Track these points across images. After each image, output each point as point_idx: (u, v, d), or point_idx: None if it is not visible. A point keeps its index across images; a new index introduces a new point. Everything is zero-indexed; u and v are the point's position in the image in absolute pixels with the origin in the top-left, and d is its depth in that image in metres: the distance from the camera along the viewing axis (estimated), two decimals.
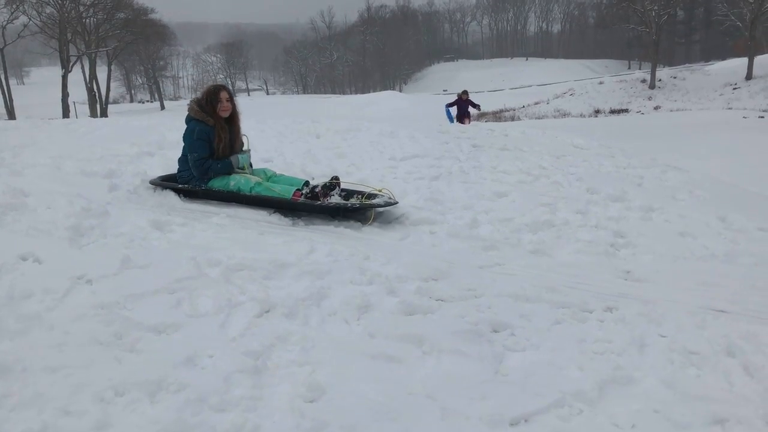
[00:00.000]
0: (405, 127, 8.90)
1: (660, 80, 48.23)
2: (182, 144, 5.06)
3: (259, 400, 2.26)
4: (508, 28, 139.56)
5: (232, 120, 5.05)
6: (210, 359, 2.49)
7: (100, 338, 2.57)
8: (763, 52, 48.61)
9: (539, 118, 39.43)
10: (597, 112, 42.01)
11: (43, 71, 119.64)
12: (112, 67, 60.33)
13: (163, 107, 68.90)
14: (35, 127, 7.85)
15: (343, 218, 4.69)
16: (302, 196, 4.77)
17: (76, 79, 53.92)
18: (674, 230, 4.74)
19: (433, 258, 3.91)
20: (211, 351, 2.54)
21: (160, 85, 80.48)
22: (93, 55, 51.87)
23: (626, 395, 2.44)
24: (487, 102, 49.42)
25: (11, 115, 44.13)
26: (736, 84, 43.49)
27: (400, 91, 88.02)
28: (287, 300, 3.05)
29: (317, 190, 4.82)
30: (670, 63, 73.60)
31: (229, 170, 4.91)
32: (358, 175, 5.76)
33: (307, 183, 5.01)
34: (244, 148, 5.21)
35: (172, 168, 5.53)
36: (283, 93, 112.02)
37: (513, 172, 6.33)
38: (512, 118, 40.91)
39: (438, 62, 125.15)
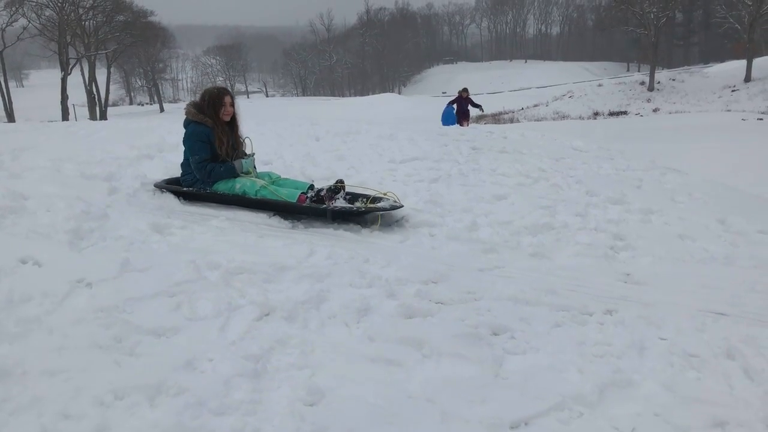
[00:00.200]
0: (404, 130, 8.90)
1: (659, 82, 48.32)
2: (182, 147, 5.06)
3: (259, 404, 2.25)
4: (507, 31, 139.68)
5: (233, 123, 5.06)
6: (209, 363, 2.48)
7: (100, 342, 2.57)
8: (761, 55, 48.72)
9: (538, 121, 39.47)
10: (596, 114, 42.05)
11: (43, 74, 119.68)
12: (112, 69, 60.38)
13: (162, 109, 68.88)
14: (35, 130, 7.84)
15: (351, 222, 4.68)
16: (307, 200, 4.77)
17: (76, 81, 53.94)
18: (674, 233, 4.74)
19: (433, 261, 3.91)
20: (210, 354, 2.54)
21: (160, 87, 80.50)
22: (92, 57, 51.90)
23: (626, 398, 2.44)
24: (486, 104, 49.39)
25: (10, 117, 44.17)
26: (734, 86, 43.55)
27: (400, 93, 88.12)
28: (287, 303, 3.05)
29: (323, 193, 4.82)
30: (669, 65, 73.79)
31: (232, 174, 4.90)
32: (357, 177, 5.76)
33: (311, 186, 5.01)
34: (248, 151, 5.21)
35: (172, 171, 5.53)
36: (283, 95, 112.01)
37: (512, 174, 6.33)
38: (511, 121, 40.97)
39: (437, 64, 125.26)
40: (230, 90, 5.15)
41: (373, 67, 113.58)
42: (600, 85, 52.34)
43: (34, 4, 45.46)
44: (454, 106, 16.66)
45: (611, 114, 41.60)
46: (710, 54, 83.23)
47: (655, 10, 49.27)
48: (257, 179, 4.92)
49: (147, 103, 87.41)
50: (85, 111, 51.68)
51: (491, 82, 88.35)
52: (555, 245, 4.33)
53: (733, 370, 2.65)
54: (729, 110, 37.28)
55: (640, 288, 3.64)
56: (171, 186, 5.06)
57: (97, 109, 52.42)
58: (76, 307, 2.85)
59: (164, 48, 73.64)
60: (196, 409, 2.20)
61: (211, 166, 4.86)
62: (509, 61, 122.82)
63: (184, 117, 5.10)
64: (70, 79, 46.84)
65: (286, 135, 7.94)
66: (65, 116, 44.00)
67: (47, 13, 46.97)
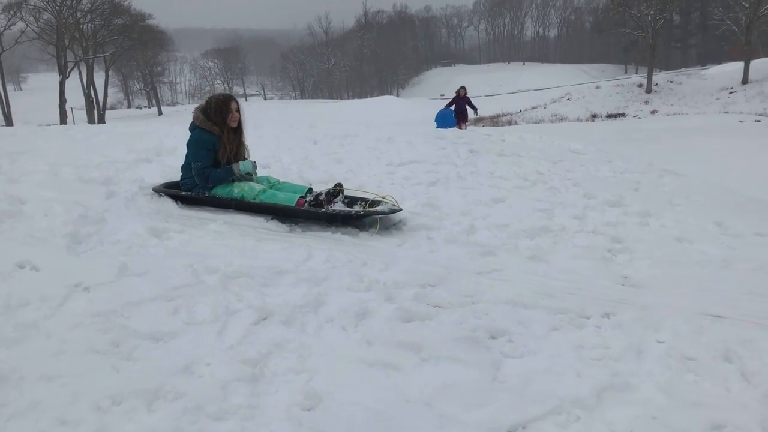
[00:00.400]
0: (402, 133, 8.91)
1: (656, 84, 48.40)
2: (180, 151, 5.07)
3: (257, 409, 2.25)
4: (505, 33, 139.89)
5: (238, 129, 5.06)
6: (207, 367, 2.48)
7: (97, 346, 2.57)
8: (758, 57, 48.78)
9: (536, 123, 39.53)
10: (594, 116, 42.11)
11: (41, 77, 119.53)
12: (110, 72, 60.39)
13: (160, 113, 68.93)
14: (32, 134, 7.86)
15: (349, 225, 4.68)
16: (306, 204, 4.77)
17: (74, 84, 53.90)
18: (671, 235, 4.74)
19: (431, 264, 3.91)
20: (208, 359, 2.54)
21: (158, 90, 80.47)
22: (90, 60, 51.91)
23: (624, 402, 2.43)
24: (484, 107, 49.44)
25: (9, 121, 44.20)
26: (732, 88, 43.65)
27: (398, 95, 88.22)
28: (284, 307, 3.05)
29: (321, 197, 4.82)
30: (667, 67, 73.97)
31: (229, 177, 4.90)
32: (355, 180, 5.76)
33: (310, 190, 5.02)
34: (249, 158, 5.22)
35: (170, 174, 5.54)
36: (281, 98, 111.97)
37: (510, 177, 6.33)
38: (509, 123, 41.00)
39: (435, 67, 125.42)
40: (234, 96, 5.16)
41: (371, 69, 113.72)
42: (598, 87, 52.45)
43: (32, 7, 45.51)
44: (453, 107, 16.44)
45: (609, 116, 41.65)
46: (708, 56, 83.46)
47: (652, 12, 49.36)
48: (255, 184, 4.92)
49: (145, 107, 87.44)
50: (84, 114, 51.68)
51: (489, 84, 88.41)
52: (553, 248, 4.33)
53: (731, 373, 2.65)
54: (726, 112, 37.34)
55: (638, 291, 3.64)
56: (169, 190, 5.05)
57: (96, 112, 52.42)
58: (74, 311, 2.85)
59: (162, 51, 73.62)
60: (193, 413, 2.20)
61: (209, 171, 4.87)
62: (507, 63, 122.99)
63: (181, 120, 5.10)
64: (68, 82, 46.85)
65: (284, 138, 7.95)
66: (63, 120, 43.99)
67: (45, 17, 47.06)
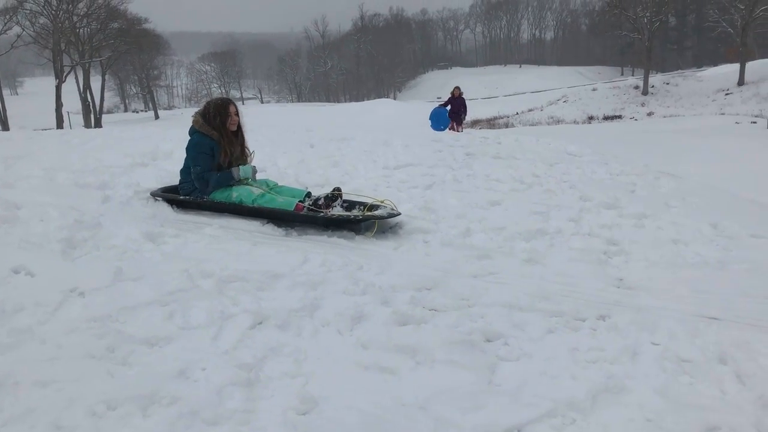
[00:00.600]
0: (399, 135, 8.91)
1: (653, 86, 48.54)
2: (177, 155, 5.06)
3: (252, 413, 2.25)
4: (502, 36, 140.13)
5: (238, 133, 5.06)
6: (202, 372, 2.48)
7: (93, 352, 2.57)
8: (754, 58, 48.95)
9: (533, 125, 39.59)
10: (590, 118, 42.19)
11: (37, 81, 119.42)
12: (106, 76, 60.38)
13: (157, 117, 68.87)
14: (28, 139, 7.84)
15: (344, 229, 4.67)
16: (305, 208, 4.76)
17: (70, 89, 53.86)
18: (667, 237, 4.74)
19: (427, 267, 3.92)
20: (203, 364, 2.53)
21: (155, 94, 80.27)
22: (87, 65, 51.88)
23: (619, 404, 2.44)
24: (481, 109, 49.68)
25: (5, 125, 44.08)
26: (728, 90, 43.77)
27: (395, 98, 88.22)
28: (280, 311, 3.05)
29: (320, 201, 4.82)
30: (663, 69, 74.16)
31: (229, 181, 4.89)
32: (351, 184, 5.77)
33: (309, 194, 5.01)
34: (252, 162, 5.22)
35: (166, 179, 5.53)
36: (278, 101, 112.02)
37: (506, 180, 6.34)
38: (506, 125, 41.06)
39: (432, 70, 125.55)
40: (232, 99, 5.16)
41: (367, 72, 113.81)
42: (594, 90, 52.60)
43: (28, 11, 45.42)
44: (448, 107, 16.37)
45: (606, 118, 41.74)
46: (704, 58, 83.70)
47: (648, 14, 49.50)
48: (254, 188, 4.92)
49: (142, 110, 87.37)
50: (80, 118, 51.66)
51: (486, 86, 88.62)
52: (548, 251, 4.33)
53: (726, 375, 2.65)
54: (723, 113, 37.43)
55: (633, 293, 3.65)
56: (168, 194, 5.04)
57: (92, 116, 52.40)
58: (69, 316, 2.85)
59: (159, 55, 73.59)
60: (189, 418, 2.19)
61: (209, 175, 4.86)
62: (504, 66, 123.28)
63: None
64: (64, 86, 46.76)
65: (281, 142, 7.95)
66: (60, 124, 43.91)
67: (41, 21, 46.97)
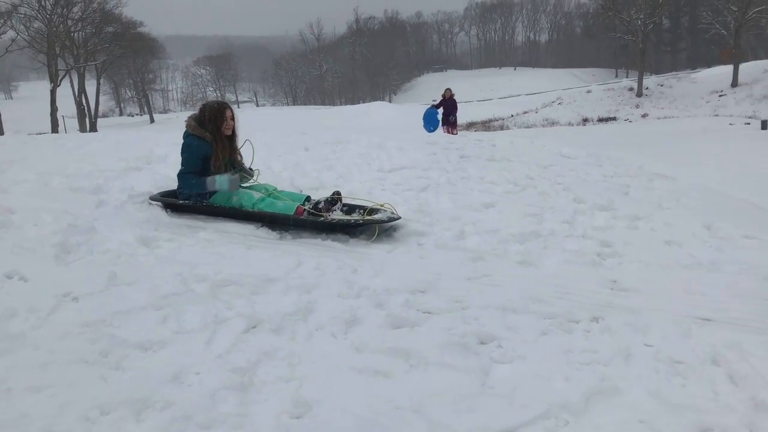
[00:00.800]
0: (394, 138, 8.92)
1: (647, 88, 48.71)
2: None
3: (246, 417, 2.25)
4: (496, 39, 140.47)
5: (232, 138, 5.05)
6: (196, 376, 2.48)
7: (86, 356, 2.56)
8: (747, 60, 49.18)
9: (528, 127, 39.66)
10: (585, 120, 42.33)
11: (32, 85, 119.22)
12: (101, 80, 60.26)
13: (152, 120, 68.79)
14: (22, 143, 7.84)
15: (339, 232, 4.67)
16: (305, 212, 4.76)
17: (65, 93, 53.78)
18: (660, 239, 4.76)
19: (421, 270, 3.92)
20: (197, 368, 2.53)
21: (150, 98, 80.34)
22: (82, 68, 51.83)
23: (612, 406, 2.44)
24: (476, 112, 49.77)
25: None
26: (721, 91, 43.96)
27: (390, 101, 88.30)
28: (274, 315, 3.05)
29: (321, 205, 4.81)
30: (657, 71, 74.32)
31: (201, 189, 4.78)
32: (346, 187, 5.77)
33: (308, 198, 5.01)
34: (247, 164, 5.21)
35: (160, 182, 5.53)
36: (273, 104, 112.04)
37: (500, 182, 6.35)
38: (501, 128, 41.14)
39: (427, 72, 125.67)
40: (228, 103, 5.16)
41: (363, 75, 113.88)
42: (589, 92, 52.76)
43: (22, 16, 45.36)
44: (439, 110, 16.28)
45: (600, 120, 41.88)
46: (697, 59, 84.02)
47: (642, 16, 49.67)
48: (254, 192, 4.91)
49: (137, 114, 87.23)
50: (75, 122, 51.53)
51: (481, 89, 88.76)
52: (542, 253, 4.34)
53: (718, 376, 2.66)
54: (717, 115, 37.60)
55: (627, 295, 3.66)
56: (167, 199, 5.02)
57: (87, 120, 52.31)
58: (63, 321, 2.84)
59: (154, 59, 73.53)
60: (182, 423, 2.19)
61: (187, 177, 4.86)
62: (498, 68, 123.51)
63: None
64: (59, 90, 46.70)
65: (275, 145, 7.94)
66: (55, 128, 43.84)
67: (36, 25, 46.92)
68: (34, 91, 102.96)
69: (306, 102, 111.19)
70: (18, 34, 45.96)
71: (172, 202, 4.97)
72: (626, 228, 4.98)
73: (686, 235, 4.89)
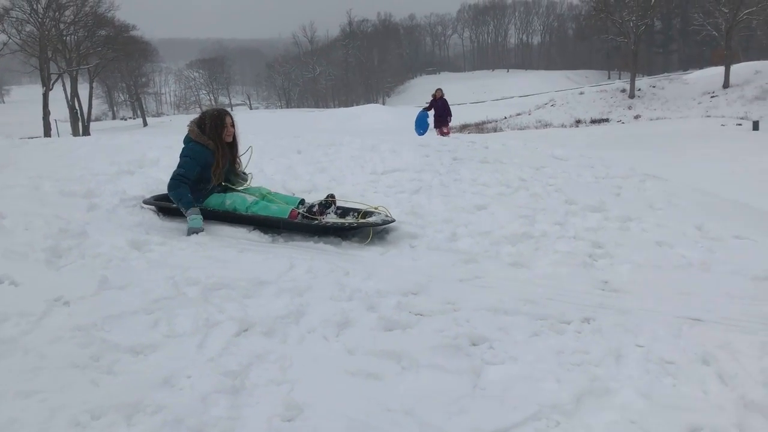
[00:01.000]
0: (387, 141, 8.93)
1: (639, 89, 48.93)
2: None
3: (237, 420, 2.25)
4: (489, 41, 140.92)
5: (233, 145, 5.03)
6: (188, 380, 2.47)
7: (77, 361, 2.55)
8: (739, 61, 49.47)
9: (521, 129, 39.77)
10: (578, 122, 42.49)
11: (24, 89, 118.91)
12: (94, 84, 60.12)
13: (145, 124, 68.66)
14: (14, 147, 7.80)
15: (331, 235, 4.67)
16: (299, 215, 4.74)
17: (58, 96, 53.62)
18: (652, 240, 4.78)
19: (413, 272, 3.93)
20: (188, 371, 2.52)
21: (143, 101, 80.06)
22: (74, 72, 51.70)
23: (603, 406, 2.45)
24: (469, 114, 49.85)
25: None
26: (713, 92, 44.22)
27: (383, 104, 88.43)
28: (266, 318, 3.05)
29: (315, 209, 4.80)
30: (649, 72, 74.64)
31: (185, 208, 4.62)
32: (339, 190, 5.77)
33: (302, 201, 5.00)
34: (246, 170, 5.20)
35: (152, 186, 5.52)
36: (267, 107, 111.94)
37: (493, 184, 6.36)
38: (494, 130, 41.27)
39: (420, 75, 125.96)
40: (228, 111, 5.13)
41: (356, 78, 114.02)
42: (581, 93, 52.95)
43: (14, 19, 45.23)
44: (429, 113, 16.06)
45: (593, 121, 42.05)
46: (689, 61, 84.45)
47: (634, 18, 49.91)
48: (248, 195, 4.90)
49: (130, 118, 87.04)
50: (68, 126, 51.38)
51: (474, 91, 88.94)
52: (534, 254, 4.35)
53: (708, 376, 2.68)
54: (708, 116, 37.83)
55: (618, 295, 3.68)
56: (160, 203, 5.00)
57: (80, 124, 52.16)
58: (53, 326, 2.83)
59: (147, 62, 73.47)
60: (173, 426, 2.18)
61: (183, 188, 4.67)
62: (492, 70, 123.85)
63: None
64: (52, 94, 46.56)
65: (268, 148, 7.94)
66: (47, 132, 43.68)
67: (28, 29, 46.83)
68: (26, 95, 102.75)
69: (299, 105, 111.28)
70: (9, 37, 45.86)
71: (165, 206, 4.94)
72: (618, 229, 5.00)
73: (677, 235, 4.91)
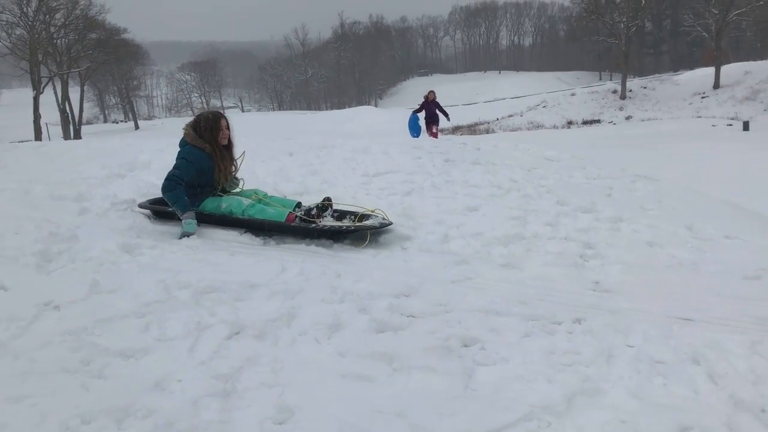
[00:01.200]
0: (379, 143, 8.92)
1: (630, 90, 49.15)
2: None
3: (228, 424, 2.24)
4: (481, 43, 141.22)
5: (228, 147, 5.01)
6: (178, 383, 2.47)
7: (67, 365, 2.54)
8: (729, 62, 49.76)
9: (513, 131, 39.87)
10: (570, 123, 42.65)
11: (14, 93, 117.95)
12: (85, 87, 59.88)
13: (137, 127, 68.45)
14: (4, 151, 7.76)
15: (324, 237, 4.66)
16: (296, 219, 4.72)
17: (49, 100, 53.39)
18: (642, 240, 4.80)
19: (405, 274, 3.93)
20: (179, 375, 2.52)
21: (134, 104, 79.81)
22: (65, 75, 51.48)
23: (594, 406, 2.46)
24: (462, 115, 49.92)
25: None
26: (704, 93, 44.48)
27: (376, 106, 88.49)
28: (257, 321, 3.05)
29: (313, 212, 4.78)
30: (640, 73, 74.93)
31: (175, 206, 4.60)
32: (330, 192, 5.76)
33: (299, 204, 4.98)
34: (238, 174, 5.19)
35: (143, 189, 5.51)
36: (259, 110, 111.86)
37: (484, 185, 6.37)
38: (487, 131, 41.37)
39: (412, 77, 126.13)
40: (223, 113, 5.10)
41: (348, 80, 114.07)
42: (573, 95, 53.14)
43: (4, 23, 45.02)
44: (419, 115, 15.90)
45: (585, 122, 42.22)
46: (680, 62, 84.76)
47: (624, 19, 50.17)
48: (244, 198, 4.87)
49: (122, 121, 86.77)
50: (59, 130, 51.16)
51: (466, 93, 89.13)
52: (525, 255, 4.36)
53: (698, 375, 2.69)
54: (699, 117, 38.04)
55: (609, 296, 3.69)
56: (155, 206, 4.97)
57: (71, 127, 51.94)
58: (44, 330, 2.82)
59: (138, 65, 73.26)
60: (164, 430, 2.18)
61: (179, 190, 4.63)
62: (483, 72, 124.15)
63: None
64: (42, 97, 46.33)
65: (260, 150, 7.92)
66: (38, 136, 43.47)
67: (17, 32, 46.56)
68: (16, 99, 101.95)
69: (292, 107, 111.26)
70: None
71: (161, 209, 4.91)
72: (609, 230, 5.01)
73: (668, 236, 4.93)
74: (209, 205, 4.83)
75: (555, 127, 41.12)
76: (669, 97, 45.76)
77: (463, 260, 4.22)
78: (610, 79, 76.84)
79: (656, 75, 66.11)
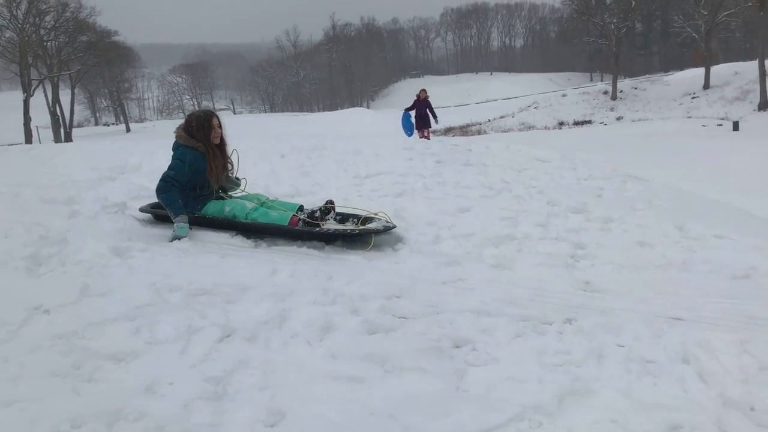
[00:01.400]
0: (371, 145, 8.93)
1: (621, 91, 49.35)
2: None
3: (219, 427, 2.24)
4: (472, 44, 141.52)
5: (221, 146, 4.98)
6: (169, 387, 2.46)
7: (57, 369, 2.53)
8: (718, 62, 50.07)
9: (505, 132, 39.96)
10: (561, 124, 42.77)
11: (4, 96, 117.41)
12: (76, 90, 59.62)
13: (128, 129, 68.15)
14: None
15: (316, 239, 4.64)
16: (300, 222, 4.70)
17: (39, 103, 53.10)
18: (633, 240, 4.82)
19: (397, 275, 3.93)
20: (170, 378, 2.51)
21: (125, 107, 79.47)
22: (55, 78, 51.24)
23: (585, 406, 2.47)
24: (453, 116, 49.99)
25: None
26: (694, 93, 44.69)
27: (368, 107, 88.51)
28: (248, 324, 3.04)
29: (317, 215, 4.76)
30: (631, 74, 75.23)
31: (173, 213, 4.57)
32: (322, 194, 5.77)
33: (301, 207, 4.96)
34: (235, 174, 5.15)
35: (134, 192, 5.50)
36: (251, 112, 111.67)
37: (476, 186, 6.39)
38: (479, 132, 41.43)
39: (404, 78, 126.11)
40: (214, 112, 5.07)
41: (340, 82, 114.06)
42: (564, 96, 53.32)
43: None
44: (411, 113, 15.79)
45: (576, 123, 42.36)
46: (670, 62, 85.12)
47: (615, 20, 50.41)
48: (247, 202, 4.85)
49: (113, 124, 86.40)
50: (50, 133, 50.90)
51: (458, 94, 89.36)
52: (517, 256, 4.38)
53: (688, 374, 2.70)
54: (690, 117, 38.23)
55: (600, 296, 3.71)
56: (157, 210, 4.93)
57: (62, 130, 51.70)
58: (34, 334, 2.81)
59: (129, 68, 72.96)
60: None
61: (174, 192, 4.61)
62: (475, 73, 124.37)
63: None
64: (33, 100, 46.10)
65: (251, 153, 7.90)
66: (28, 139, 43.27)
67: (7, 35, 46.36)
68: (6, 102, 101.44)
69: (284, 109, 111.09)
70: None
71: (164, 213, 4.85)
72: (599, 230, 5.03)
73: (658, 235, 4.95)
74: (212, 208, 4.80)
75: (546, 128, 41.22)
76: (659, 98, 45.96)
77: (454, 261, 4.23)
78: (601, 80, 77.28)
79: (647, 76, 66.42)
